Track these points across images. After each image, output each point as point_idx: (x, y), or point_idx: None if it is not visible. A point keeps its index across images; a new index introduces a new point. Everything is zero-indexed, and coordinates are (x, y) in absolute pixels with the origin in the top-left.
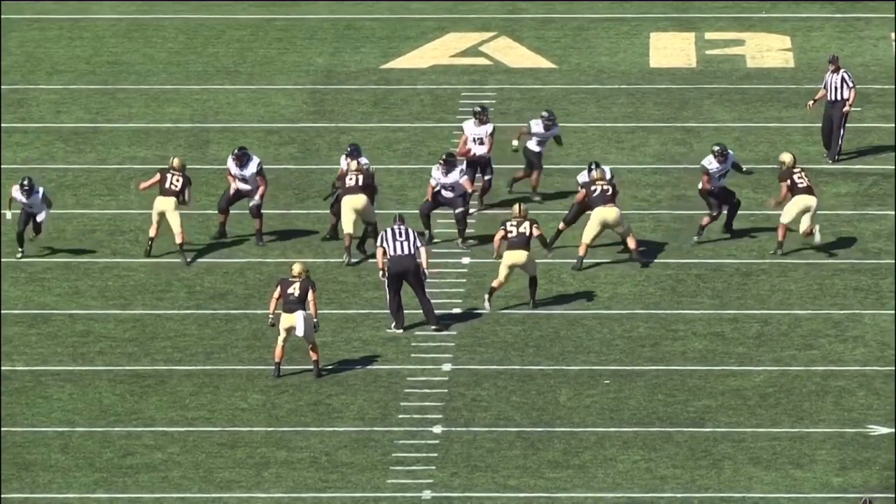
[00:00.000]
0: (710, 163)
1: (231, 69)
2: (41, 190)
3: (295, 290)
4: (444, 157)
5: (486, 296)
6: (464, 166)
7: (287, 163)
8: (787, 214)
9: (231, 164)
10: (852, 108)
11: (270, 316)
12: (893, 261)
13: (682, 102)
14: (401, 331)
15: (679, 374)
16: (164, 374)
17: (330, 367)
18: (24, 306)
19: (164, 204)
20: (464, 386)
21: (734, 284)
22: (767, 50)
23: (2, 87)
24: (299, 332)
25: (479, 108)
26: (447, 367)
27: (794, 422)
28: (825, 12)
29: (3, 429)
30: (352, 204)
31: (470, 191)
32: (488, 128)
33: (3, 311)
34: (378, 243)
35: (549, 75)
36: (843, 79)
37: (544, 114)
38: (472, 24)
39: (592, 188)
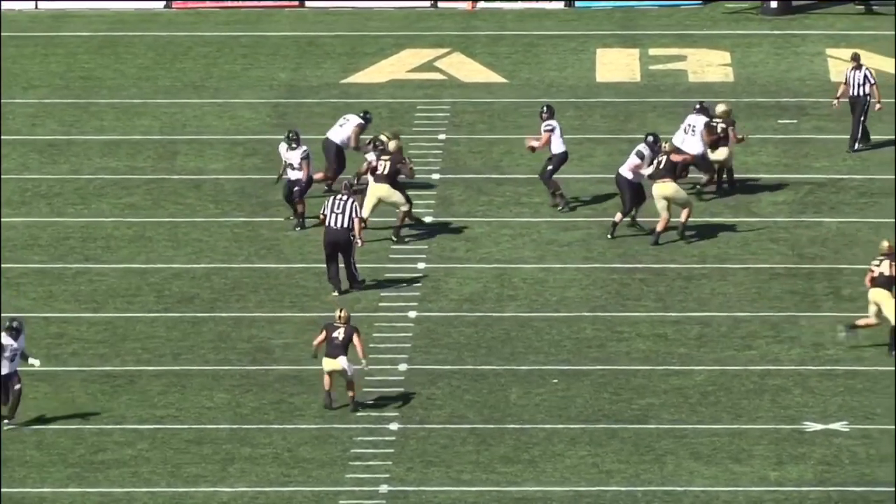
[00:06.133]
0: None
1: (198, 84)
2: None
3: (340, 334)
4: (544, 107)
5: (848, 328)
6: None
7: (251, 173)
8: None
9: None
10: (878, 103)
11: (314, 357)
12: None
13: (627, 115)
14: (336, 294)
15: (624, 373)
16: (134, 374)
17: (292, 367)
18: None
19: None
20: (419, 385)
21: (676, 288)
22: (708, 65)
23: None
24: (349, 372)
25: (545, 107)
26: (403, 367)
27: (733, 419)
28: (763, 29)
29: None
30: (376, 192)
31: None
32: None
33: None
34: (322, 210)
35: (500, 89)
36: (865, 76)
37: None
38: (428, 41)
39: (658, 160)
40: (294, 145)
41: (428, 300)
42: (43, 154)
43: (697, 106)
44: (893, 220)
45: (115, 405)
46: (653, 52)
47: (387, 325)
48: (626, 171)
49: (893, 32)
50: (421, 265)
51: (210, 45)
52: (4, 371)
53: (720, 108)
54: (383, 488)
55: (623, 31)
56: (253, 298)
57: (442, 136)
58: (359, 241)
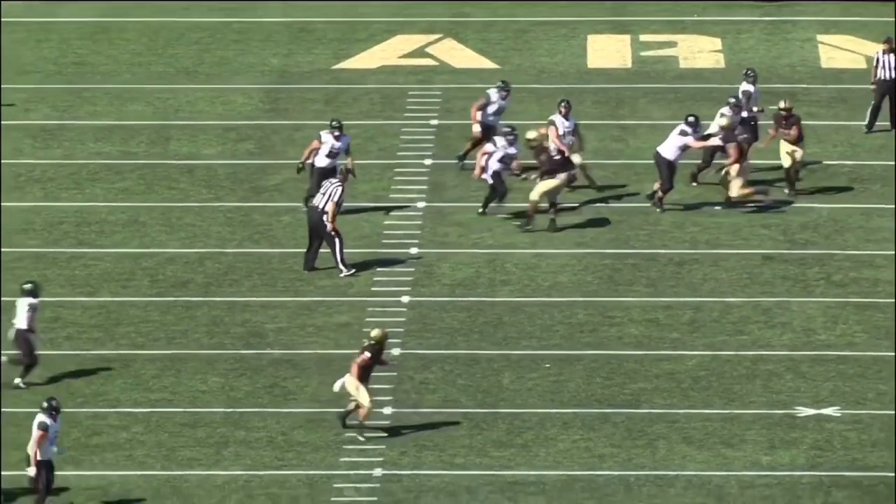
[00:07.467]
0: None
1: (190, 69)
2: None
3: (357, 359)
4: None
5: None
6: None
7: (244, 158)
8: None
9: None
10: None
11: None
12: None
13: (618, 101)
14: (306, 272)
15: (616, 358)
16: (128, 358)
17: (285, 352)
18: None
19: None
20: (412, 369)
21: (668, 273)
22: (699, 51)
23: None
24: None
25: (564, 101)
26: (396, 351)
27: (725, 403)
28: (754, 15)
29: None
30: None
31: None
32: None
33: None
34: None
35: (492, 75)
36: None
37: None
38: (419, 26)
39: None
40: (339, 133)
41: (421, 285)
42: (37, 139)
43: (750, 73)
44: (894, 205)
45: (109, 389)
46: (644, 38)
47: (380, 310)
48: (665, 151)
49: (884, 20)
50: (414, 250)
51: (202, 30)
52: (45, 455)
53: (783, 105)
54: (377, 472)
55: (614, 18)
56: (246, 283)
57: (434, 122)
58: (328, 224)
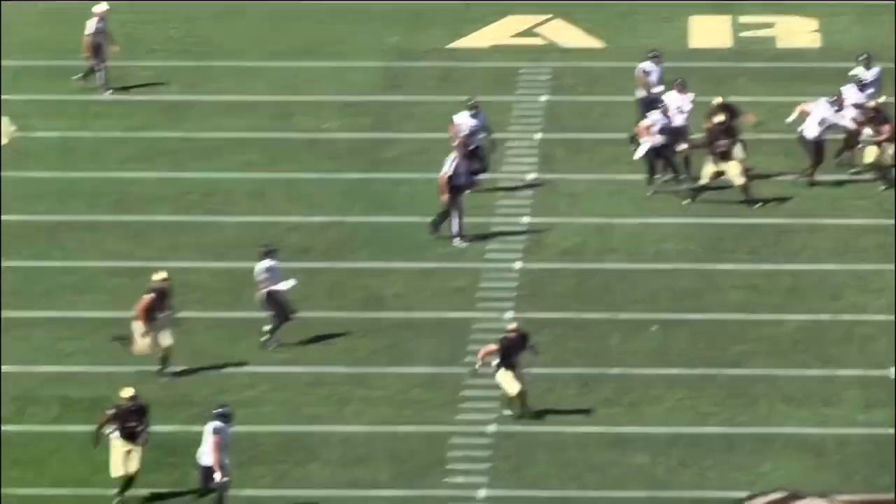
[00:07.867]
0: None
1: (311, 48)
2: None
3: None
4: (680, 80)
5: None
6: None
7: (362, 132)
8: None
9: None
10: None
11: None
12: None
13: (719, 80)
14: (430, 234)
15: (719, 322)
16: (254, 320)
17: (403, 315)
18: (127, 259)
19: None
20: None
21: (769, 242)
22: (797, 32)
23: (107, 64)
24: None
25: (680, 80)
26: (509, 314)
27: (823, 365)
28: None
29: (111, 368)
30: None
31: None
32: (689, 96)
33: (106, 265)
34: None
35: (599, 54)
36: None
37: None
38: (530, 7)
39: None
40: (476, 111)
41: (532, 252)
42: (166, 114)
43: (864, 57)
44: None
45: (236, 350)
46: (743, 19)
47: (493, 276)
48: (807, 131)
49: None
50: (525, 219)
51: (322, 11)
52: (206, 461)
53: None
54: (491, 428)
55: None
56: (365, 250)
57: (543, 98)
58: (443, 196)
